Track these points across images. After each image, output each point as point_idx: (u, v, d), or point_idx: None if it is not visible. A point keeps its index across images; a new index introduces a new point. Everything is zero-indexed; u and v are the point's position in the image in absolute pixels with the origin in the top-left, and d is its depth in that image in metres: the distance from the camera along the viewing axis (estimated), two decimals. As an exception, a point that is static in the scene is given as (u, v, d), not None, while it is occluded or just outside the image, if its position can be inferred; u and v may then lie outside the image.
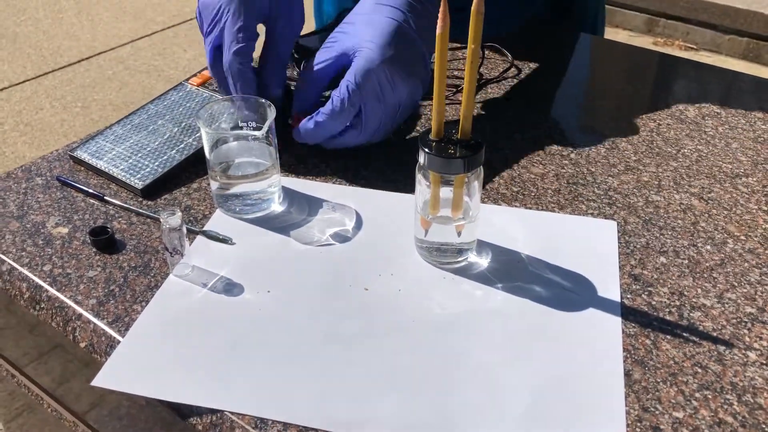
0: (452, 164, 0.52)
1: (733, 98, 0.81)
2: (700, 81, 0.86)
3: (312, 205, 0.63)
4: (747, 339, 0.51)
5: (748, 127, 0.75)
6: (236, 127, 0.62)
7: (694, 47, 3.47)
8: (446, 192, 0.54)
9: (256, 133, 0.58)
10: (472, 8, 0.47)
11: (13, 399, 1.41)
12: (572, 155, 0.70)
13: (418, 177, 0.55)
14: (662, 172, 0.68)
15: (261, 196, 0.62)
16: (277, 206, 0.63)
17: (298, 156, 0.70)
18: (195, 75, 0.77)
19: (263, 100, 0.61)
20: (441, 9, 0.47)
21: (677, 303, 0.54)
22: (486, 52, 0.88)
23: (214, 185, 0.62)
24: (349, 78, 0.63)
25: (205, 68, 0.78)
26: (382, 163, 0.69)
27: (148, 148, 0.68)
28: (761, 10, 3.29)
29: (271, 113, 0.60)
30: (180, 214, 0.53)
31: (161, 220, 0.53)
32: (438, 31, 0.48)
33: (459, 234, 0.56)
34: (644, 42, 3.51)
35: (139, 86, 3.03)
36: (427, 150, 0.52)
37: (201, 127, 0.58)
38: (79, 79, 3.09)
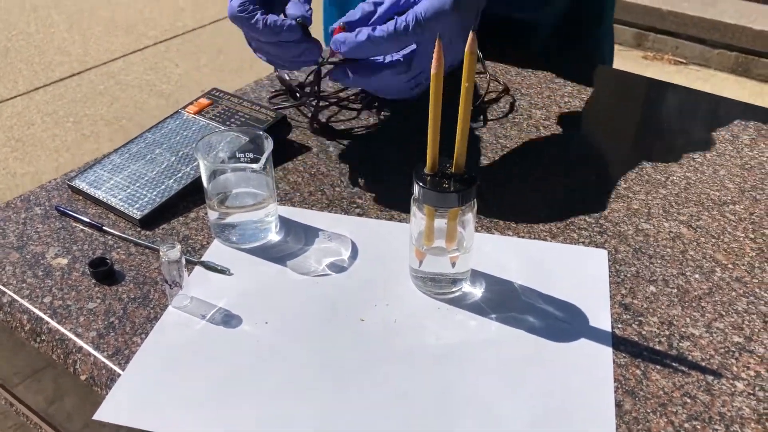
0: (446, 198, 0.53)
1: (722, 124, 0.83)
2: (689, 107, 0.88)
3: (308, 234, 0.64)
4: (734, 369, 0.52)
5: (735, 154, 0.77)
6: (233, 156, 0.63)
7: (684, 61, 3.51)
8: (441, 223, 0.55)
9: (254, 165, 0.59)
10: (466, 48, 0.48)
11: (6, 418, 1.40)
12: (564, 183, 0.71)
13: (413, 209, 0.56)
14: (652, 199, 0.69)
15: (258, 226, 0.63)
16: (274, 236, 0.64)
17: (293, 184, 0.71)
18: (191, 103, 0.78)
19: (261, 132, 0.62)
20: (435, 49, 0.48)
21: (667, 332, 0.55)
22: (483, 83, 0.89)
23: (211, 215, 0.63)
24: (419, 10, 0.62)
25: (201, 96, 0.79)
26: (378, 192, 0.70)
27: (146, 178, 0.69)
28: (749, 25, 3.34)
29: (269, 145, 0.61)
30: (179, 247, 0.54)
31: (160, 253, 0.53)
32: (432, 71, 0.49)
33: (453, 265, 0.57)
34: (634, 56, 3.55)
35: (131, 101, 3.04)
36: (421, 184, 0.53)
37: (199, 158, 0.59)
38: (70, 94, 3.10)
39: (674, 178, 0.73)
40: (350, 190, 0.70)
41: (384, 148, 0.77)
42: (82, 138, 2.80)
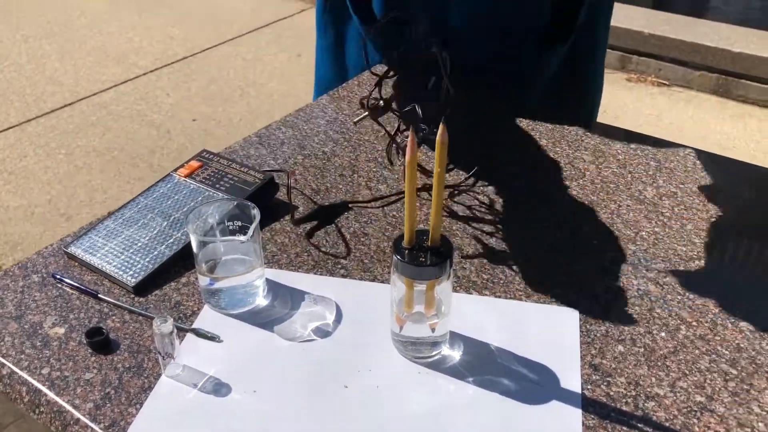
0: (424, 272, 0.56)
1: (689, 176, 0.86)
2: (658, 158, 0.92)
3: (294, 297, 0.68)
4: (696, 429, 0.55)
5: (702, 207, 0.81)
6: (222, 222, 0.66)
7: (666, 83, 3.57)
8: (420, 289, 0.59)
9: (242, 237, 0.63)
10: (437, 138, 0.52)
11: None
12: (538, 242, 0.75)
13: (393, 277, 0.59)
14: (621, 256, 0.73)
15: (247, 291, 0.66)
16: (261, 300, 0.67)
17: (281, 245, 0.74)
18: (182, 166, 0.81)
19: (250, 203, 0.66)
20: (410, 139, 0.52)
21: (633, 393, 0.58)
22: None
23: (201, 281, 0.66)
24: None
25: (192, 159, 0.82)
26: (361, 253, 0.73)
27: (139, 244, 0.72)
28: (728, 47, 3.41)
29: (256, 215, 0.64)
30: (171, 321, 0.57)
31: (153, 326, 0.57)
32: (407, 158, 0.53)
33: (432, 330, 0.60)
34: (618, 78, 3.61)
35: (123, 131, 3.07)
36: (400, 258, 0.56)
37: (189, 231, 0.62)
38: (62, 125, 3.12)
39: (643, 233, 0.76)
40: (335, 250, 0.74)
41: (366, 211, 0.80)
42: (74, 170, 2.83)
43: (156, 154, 2.90)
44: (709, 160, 0.91)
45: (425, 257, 0.56)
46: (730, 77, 3.41)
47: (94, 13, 4.31)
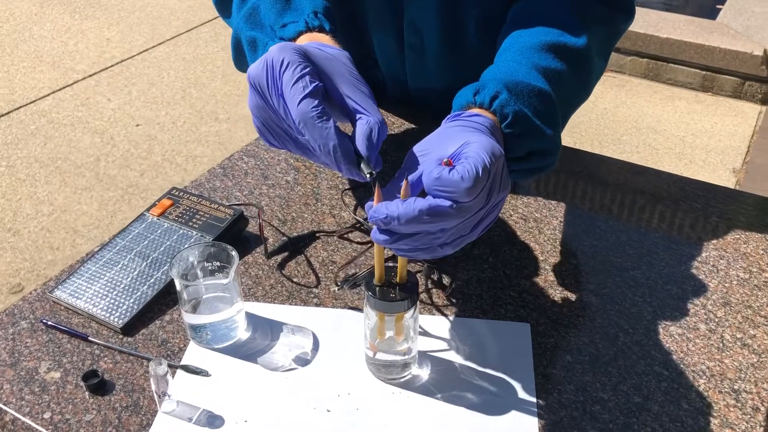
0: (394, 306, 0.63)
1: (624, 190, 0.95)
2: (595, 173, 1.00)
3: (273, 329, 0.74)
4: (635, 427, 0.64)
5: (634, 219, 0.90)
6: (202, 262, 0.72)
7: (598, 69, 3.71)
8: (391, 318, 0.66)
9: (224, 280, 0.68)
10: (401, 194, 0.58)
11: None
12: (490, 259, 0.83)
13: (366, 309, 0.66)
14: (565, 270, 0.81)
15: (229, 325, 0.72)
16: (243, 333, 0.73)
17: (255, 278, 0.80)
18: (155, 205, 0.86)
19: (228, 246, 0.71)
20: (375, 192, 0.58)
21: (581, 398, 0.66)
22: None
23: (186, 318, 0.72)
24: (478, 152, 0.57)
25: (164, 197, 0.87)
26: (330, 281, 0.79)
27: (122, 285, 0.76)
28: (656, 33, 3.56)
29: (235, 257, 0.70)
30: (165, 363, 0.62)
31: (150, 369, 0.62)
32: (375, 204, 0.59)
33: (403, 354, 0.67)
34: (552, 66, 3.73)
35: (65, 140, 3.03)
36: (371, 294, 0.63)
37: (175, 277, 0.67)
38: (0, 136, 3.06)
39: (583, 247, 0.85)
40: (306, 280, 0.80)
41: (333, 239, 0.86)
42: (17, 182, 2.79)
43: (101, 161, 2.88)
44: (641, 172, 1.00)
45: (394, 293, 0.63)
46: (659, 62, 3.58)
47: (22, 15, 4.20)
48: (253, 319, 0.75)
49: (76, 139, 3.04)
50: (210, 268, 0.72)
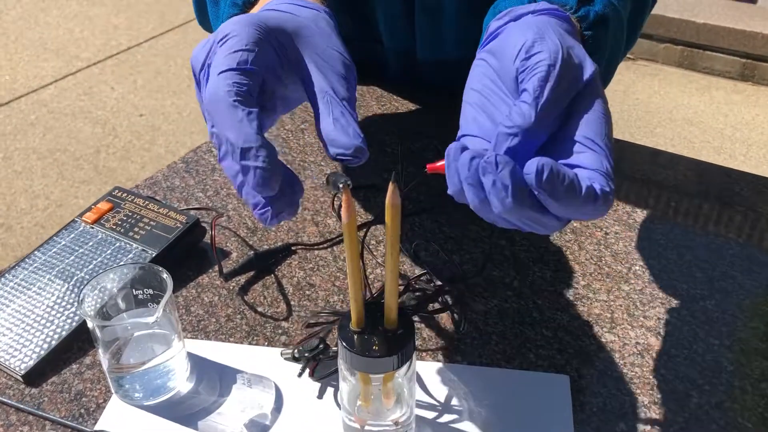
0: (379, 364, 0.44)
1: (685, 192, 0.76)
2: (645, 170, 0.80)
3: (224, 378, 0.55)
4: None
5: (701, 231, 0.70)
6: (128, 289, 0.54)
7: (632, 57, 3.49)
8: (377, 377, 0.47)
9: (149, 319, 0.50)
10: (387, 200, 0.39)
11: None
12: (515, 284, 0.64)
13: (342, 370, 0.47)
14: (614, 300, 0.62)
15: (163, 374, 0.54)
16: (183, 383, 0.55)
17: (208, 306, 0.62)
18: (89, 209, 0.68)
19: (160, 268, 0.53)
20: (344, 201, 0.40)
21: (643, 491, 0.47)
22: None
23: (104, 365, 0.54)
24: (540, 58, 0.39)
25: (100, 200, 0.69)
26: (306, 311, 0.61)
27: (32, 316, 0.58)
28: (692, 19, 3.33)
29: (169, 284, 0.52)
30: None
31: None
32: (344, 220, 0.40)
33: (396, 424, 0.49)
34: (581, 54, 3.51)
35: (65, 130, 2.88)
36: (347, 347, 0.44)
37: (84, 316, 0.49)
38: (-2, 126, 2.92)
39: (636, 268, 0.65)
40: (274, 309, 0.61)
41: (313, 254, 0.68)
42: (13, 175, 2.64)
43: (101, 153, 2.72)
44: (700, 168, 0.80)
45: (379, 344, 0.44)
46: (695, 49, 3.34)
47: (29, 2, 4.07)
48: (198, 364, 0.56)
49: (76, 130, 2.89)
50: (140, 296, 0.54)
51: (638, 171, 0.79)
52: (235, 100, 0.39)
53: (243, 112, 0.39)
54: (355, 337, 0.45)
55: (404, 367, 0.46)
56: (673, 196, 0.75)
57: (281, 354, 0.56)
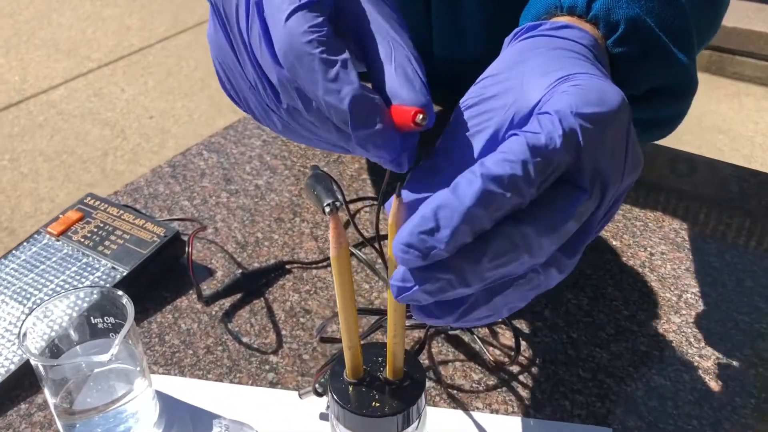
0: (379, 425, 0.35)
1: (741, 208, 0.66)
2: (695, 180, 0.71)
3: (198, 424, 0.46)
4: None
5: (764, 253, 0.60)
6: (82, 318, 0.45)
7: (655, 62, 3.38)
8: None
9: (102, 357, 0.41)
10: (390, 219, 0.30)
11: None
12: (547, 314, 0.54)
13: (333, 424, 0.38)
14: (663, 333, 0.52)
15: (124, 417, 0.45)
16: (149, 430, 0.46)
17: (185, 335, 0.53)
18: (56, 219, 0.59)
19: (120, 293, 0.44)
20: (332, 228, 0.30)
21: None
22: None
23: (53, 410, 0.45)
24: (558, 106, 0.30)
25: (69, 209, 0.60)
26: (299, 343, 0.52)
27: (-22, 345, 0.50)
28: (722, 22, 3.21)
29: (130, 311, 0.43)
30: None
31: None
32: (332, 253, 0.31)
33: (398, 490, 0.39)
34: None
35: (73, 132, 2.82)
36: (341, 403, 0.35)
37: (25, 353, 0.41)
38: (6, 127, 2.87)
39: (688, 295, 0.56)
40: (261, 340, 0.52)
41: (311, 274, 0.59)
42: (19, 177, 2.59)
43: (109, 156, 2.66)
44: (757, 180, 0.70)
45: (380, 399, 0.35)
46: (724, 53, 3.22)
47: (42, 2, 4.03)
48: (168, 405, 0.47)
49: (84, 132, 2.83)
50: (100, 325, 0.45)
51: (686, 182, 0.69)
52: (321, 51, 0.30)
53: (337, 67, 0.31)
54: (351, 389, 0.36)
55: (414, 426, 0.37)
56: (727, 211, 0.65)
57: (299, 395, 0.46)
